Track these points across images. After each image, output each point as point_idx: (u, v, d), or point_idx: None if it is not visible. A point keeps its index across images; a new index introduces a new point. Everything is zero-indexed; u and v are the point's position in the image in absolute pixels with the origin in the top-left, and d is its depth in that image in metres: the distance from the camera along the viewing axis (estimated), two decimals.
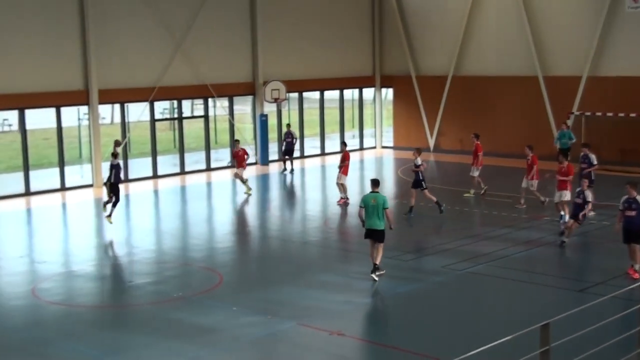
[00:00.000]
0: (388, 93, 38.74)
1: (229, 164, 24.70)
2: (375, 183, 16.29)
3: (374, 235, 16.11)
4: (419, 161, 22.63)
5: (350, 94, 38.44)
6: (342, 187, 24.42)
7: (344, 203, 24.13)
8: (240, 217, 23.81)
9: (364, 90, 38.19)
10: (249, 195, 26.09)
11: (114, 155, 21.63)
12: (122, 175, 21.58)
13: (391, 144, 37.80)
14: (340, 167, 24.36)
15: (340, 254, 18.87)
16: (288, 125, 32.69)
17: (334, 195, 25.41)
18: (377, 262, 16.10)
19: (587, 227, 20.51)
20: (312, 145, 36.45)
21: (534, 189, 23.17)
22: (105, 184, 21.55)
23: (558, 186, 21.14)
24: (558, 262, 17.82)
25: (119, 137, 29.37)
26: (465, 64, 34.93)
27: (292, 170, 31.33)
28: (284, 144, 31.99)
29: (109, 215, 21.34)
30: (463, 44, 34.63)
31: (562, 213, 20.91)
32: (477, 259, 17.65)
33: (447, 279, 16.33)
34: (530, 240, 19.39)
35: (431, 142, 36.33)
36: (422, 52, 36.32)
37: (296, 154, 33.65)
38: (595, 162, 22.49)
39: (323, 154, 36.17)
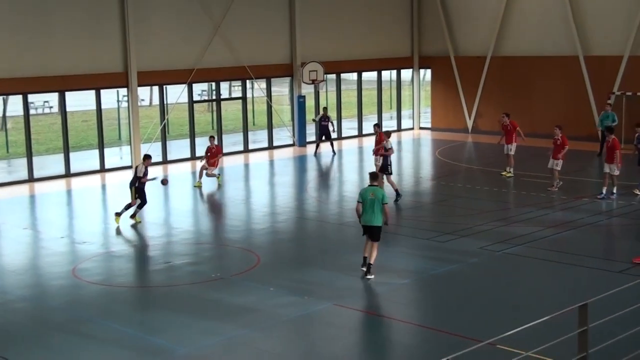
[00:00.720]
0: (426, 74, 38.47)
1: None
2: (374, 176, 15.38)
3: (371, 232, 15.19)
4: (389, 144, 22.27)
5: (388, 75, 38.23)
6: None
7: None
8: (278, 199, 23.87)
9: (402, 71, 37.94)
10: (199, 187, 25.03)
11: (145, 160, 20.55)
12: (148, 178, 20.43)
13: (429, 125, 37.56)
14: (375, 150, 24.04)
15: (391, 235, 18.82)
16: (324, 108, 32.59)
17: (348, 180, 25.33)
18: (372, 262, 15.15)
19: (628, 208, 20.23)
20: (349, 126, 36.37)
21: (558, 168, 22.89)
22: (130, 187, 20.50)
23: (606, 159, 21.72)
24: (597, 243, 17.60)
25: (158, 119, 29.63)
26: (505, 44, 34.51)
27: (333, 153, 31.12)
28: (319, 127, 31.92)
29: (134, 215, 20.27)
30: (502, 23, 34.21)
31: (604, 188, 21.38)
32: (513, 240, 17.51)
33: (484, 260, 16.23)
34: (568, 222, 19.17)
35: (469, 123, 36.03)
36: (460, 33, 35.97)
37: (333, 135, 33.57)
38: None
39: (361, 135, 36.06)
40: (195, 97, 32.17)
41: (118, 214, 20.21)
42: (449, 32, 36.13)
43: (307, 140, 33.41)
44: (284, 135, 33.56)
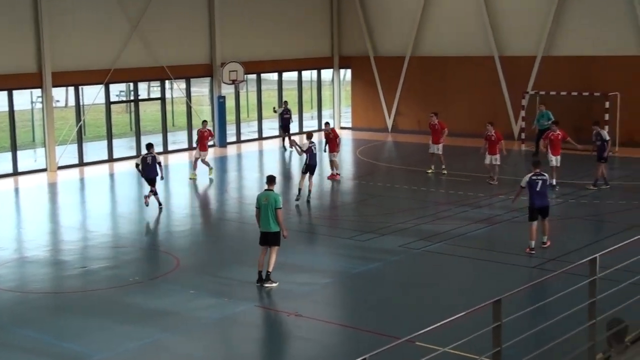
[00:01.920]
0: (346, 74, 38.67)
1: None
2: (271, 180, 14.87)
3: (268, 239, 14.57)
4: (305, 146, 22.41)
5: (309, 75, 38.30)
6: (334, 164, 24.87)
7: (333, 178, 24.75)
8: (198, 200, 23.62)
9: (323, 71, 38.07)
10: (194, 179, 25.54)
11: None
12: (157, 170, 21.44)
13: (349, 125, 37.79)
14: (325, 146, 24.69)
15: (298, 235, 18.82)
16: (285, 102, 33.17)
17: (294, 176, 25.38)
18: (270, 270, 14.51)
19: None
20: (270, 126, 36.30)
21: (498, 163, 23.50)
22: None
23: (554, 152, 22.63)
24: (514, 239, 17.98)
25: (74, 121, 29.00)
26: (423, 45, 34.97)
27: (287, 147, 31.42)
28: (281, 119, 32.41)
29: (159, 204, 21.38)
30: (420, 24, 34.65)
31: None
32: (434, 237, 17.74)
33: (404, 258, 16.39)
34: (487, 218, 19.55)
35: (389, 123, 36.38)
36: (380, 33, 36.28)
37: (253, 135, 33.53)
38: (607, 138, 22.90)
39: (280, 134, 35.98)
40: (113, 98, 31.57)
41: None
42: (369, 33, 36.41)
43: (228, 140, 33.18)
44: None
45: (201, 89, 35.67)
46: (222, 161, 30.02)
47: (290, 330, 13.04)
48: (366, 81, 36.91)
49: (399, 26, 35.42)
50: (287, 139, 31.34)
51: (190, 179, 25.72)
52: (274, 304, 13.95)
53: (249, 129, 36.29)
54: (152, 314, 13.35)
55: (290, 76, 37.14)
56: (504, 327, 7.11)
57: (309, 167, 21.88)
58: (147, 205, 21.29)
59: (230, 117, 33.71)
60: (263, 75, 35.76)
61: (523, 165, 27.38)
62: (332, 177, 24.92)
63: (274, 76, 36.41)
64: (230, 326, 13.01)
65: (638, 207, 20.54)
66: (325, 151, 25.62)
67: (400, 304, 13.84)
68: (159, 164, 21.51)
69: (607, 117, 28.73)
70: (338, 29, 37.52)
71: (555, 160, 22.68)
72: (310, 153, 21.82)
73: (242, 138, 34.39)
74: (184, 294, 14.30)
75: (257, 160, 30.68)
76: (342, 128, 38.01)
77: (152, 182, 21.40)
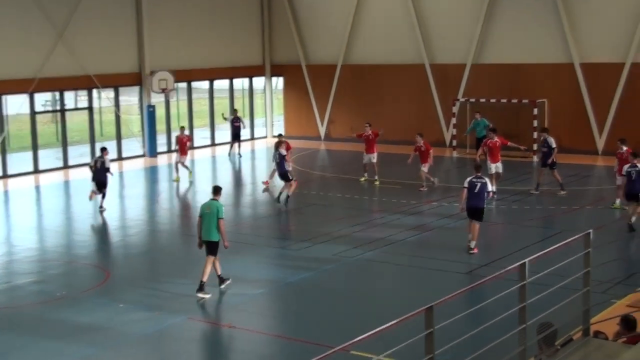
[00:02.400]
0: (278, 82, 38.71)
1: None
2: (216, 190, 15.06)
3: (208, 248, 14.81)
4: (284, 151, 22.72)
5: (240, 83, 38.20)
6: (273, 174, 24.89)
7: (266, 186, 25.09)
8: (128, 212, 23.28)
9: (254, 79, 38.01)
10: (177, 181, 26.76)
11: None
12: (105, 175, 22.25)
13: (282, 133, 37.67)
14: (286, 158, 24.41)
15: (232, 245, 18.70)
16: (235, 110, 33.81)
17: (225, 186, 25.29)
18: (204, 279, 14.57)
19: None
20: (202, 136, 36.06)
21: (425, 170, 23.83)
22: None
23: (493, 159, 22.89)
24: (447, 245, 18.21)
25: None
26: (355, 53, 35.22)
27: (240, 155, 32.20)
28: (231, 127, 32.78)
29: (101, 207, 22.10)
30: (352, 32, 34.91)
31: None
32: (368, 245, 17.84)
33: (339, 267, 16.43)
34: (420, 225, 19.75)
35: (322, 131, 36.51)
36: (311, 41, 36.43)
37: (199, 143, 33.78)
38: (554, 145, 23.21)
39: (213, 144, 35.82)
40: (38, 108, 30.91)
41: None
42: (300, 41, 36.51)
43: (159, 150, 32.83)
44: (133, 146, 32.79)
45: (130, 97, 35.20)
46: (152, 171, 29.66)
47: (224, 343, 12.93)
48: (299, 89, 36.99)
49: (331, 34, 35.62)
50: (236, 147, 32.18)
51: (174, 181, 26.82)
52: (208, 315, 13.82)
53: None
54: (80, 330, 13.07)
55: (221, 84, 36.96)
56: (437, 334, 7.17)
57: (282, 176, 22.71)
58: (90, 200, 22.33)
59: (160, 126, 33.35)
60: (194, 84, 35.51)
61: (455, 172, 27.82)
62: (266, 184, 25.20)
63: (205, 84, 36.19)
64: (162, 340, 12.82)
65: (567, 212, 21.03)
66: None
67: (334, 312, 13.86)
68: (108, 169, 22.23)
69: (535, 123, 29.38)
70: (269, 37, 37.52)
71: (494, 167, 23.01)
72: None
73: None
74: (114, 308, 14.05)
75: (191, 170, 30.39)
76: (274, 136, 37.92)
77: (99, 185, 22.07)
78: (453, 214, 20.80)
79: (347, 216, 21.05)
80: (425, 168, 23.98)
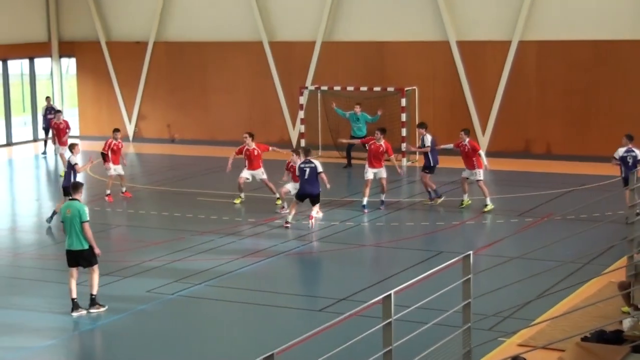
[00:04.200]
0: (70, 64, 38.01)
1: None
2: (76, 187, 16.03)
3: (77, 259, 15.63)
4: (75, 159, 22.32)
5: (19, 65, 37.25)
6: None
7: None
8: None
9: (37, 60, 37.18)
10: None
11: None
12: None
13: (76, 133, 37.04)
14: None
15: (10, 282, 18.25)
16: (47, 98, 34.29)
17: (24, 197, 24.64)
18: (94, 292, 15.79)
19: (330, 230, 21.52)
20: None
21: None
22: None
23: (373, 164, 23.58)
24: (293, 276, 18.47)
25: None
26: (171, 26, 35.10)
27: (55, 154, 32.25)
28: (43, 121, 33.41)
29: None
30: (167, 0, 34.84)
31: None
32: (191, 278, 17.82)
33: (155, 307, 16.34)
34: (258, 251, 19.93)
35: (130, 129, 36.12)
36: (113, 11, 36.01)
37: None
38: (428, 144, 24.13)
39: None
40: None
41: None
42: (98, 10, 36.01)
43: None
44: None
45: None
46: None
47: None
48: (97, 74, 36.51)
49: (139, 1, 35.37)
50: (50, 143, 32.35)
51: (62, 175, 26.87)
52: None
53: None
54: None
55: None
56: None
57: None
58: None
59: None
60: None
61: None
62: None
63: None
64: None
65: (444, 228, 21.80)
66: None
67: None
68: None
69: (404, 117, 30.24)
70: (56, 4, 36.84)
71: (374, 173, 23.53)
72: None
73: None
74: None
75: None
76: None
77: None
78: (302, 234, 21.12)
79: (164, 240, 20.94)
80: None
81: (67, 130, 30.21)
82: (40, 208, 25.32)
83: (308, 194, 21.42)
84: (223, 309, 16.46)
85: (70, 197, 15.98)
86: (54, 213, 22.02)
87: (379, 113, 29.61)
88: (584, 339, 12.80)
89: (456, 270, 11.07)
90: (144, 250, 20.02)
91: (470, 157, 23.29)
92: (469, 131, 24.16)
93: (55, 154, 30.79)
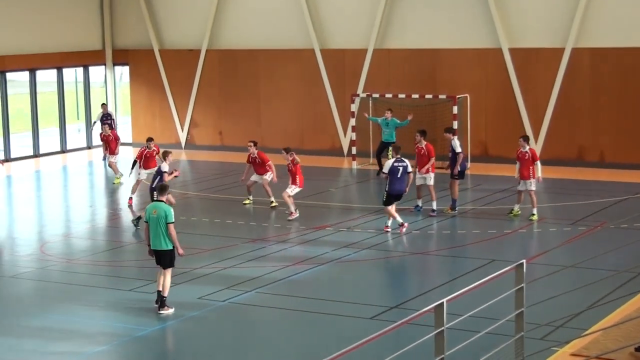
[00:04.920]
0: (123, 72, 38.32)
1: None
2: (162, 189, 16.53)
3: (159, 259, 16.29)
4: (166, 166, 22.48)
5: (73, 73, 37.64)
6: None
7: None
8: None
9: (91, 68, 37.53)
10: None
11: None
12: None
13: (130, 140, 37.37)
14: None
15: (64, 288, 18.41)
16: (103, 105, 34.85)
17: (51, 210, 24.82)
18: (165, 295, 16.21)
19: (379, 238, 21.46)
20: (22, 144, 35.35)
21: (291, 194, 23.96)
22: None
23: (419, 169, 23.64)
24: (344, 283, 18.43)
25: None
26: (224, 34, 35.27)
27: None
28: (101, 127, 32.95)
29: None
30: (220, 7, 34.93)
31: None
32: (242, 285, 17.87)
33: (206, 314, 16.39)
34: (309, 258, 19.92)
35: (182, 137, 36.36)
36: (166, 19, 36.27)
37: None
38: (458, 150, 24.02)
39: (37, 155, 35.19)
40: None
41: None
42: (152, 18, 36.29)
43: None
44: None
45: None
46: None
47: None
48: (150, 82, 36.76)
49: (192, 10, 35.59)
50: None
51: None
52: None
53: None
54: None
55: (47, 76, 36.32)
56: None
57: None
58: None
59: None
60: (9, 75, 34.76)
61: (356, 188, 28.24)
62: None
63: (25, 75, 35.47)
64: None
65: (497, 236, 21.65)
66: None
67: None
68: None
69: (455, 124, 30.10)
70: (110, 13, 37.17)
71: (423, 178, 23.65)
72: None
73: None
74: None
75: (8, 189, 29.74)
76: (122, 144, 37.53)
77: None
78: (352, 243, 21.10)
79: (215, 247, 21.02)
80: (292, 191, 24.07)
81: (117, 141, 30.32)
82: (94, 214, 25.59)
83: (401, 193, 21.62)
84: (274, 316, 16.48)
85: (156, 199, 16.49)
86: (139, 218, 22.39)
87: (409, 118, 29.37)
88: (638, 349, 12.66)
89: (509, 279, 10.99)
90: (195, 258, 20.10)
91: (528, 165, 22.99)
92: (529, 138, 23.81)
93: (105, 162, 30.91)
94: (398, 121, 29.32)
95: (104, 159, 31.20)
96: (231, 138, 35.00)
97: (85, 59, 36.92)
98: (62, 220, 25.13)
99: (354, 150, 32.12)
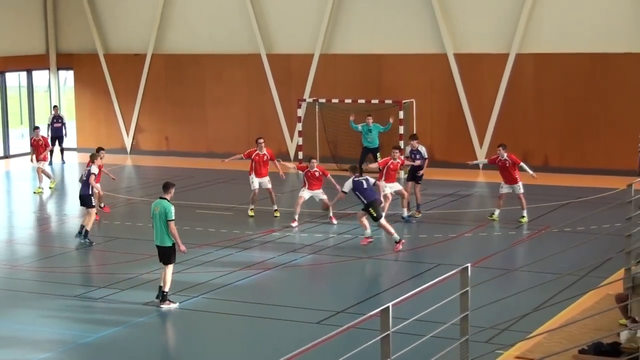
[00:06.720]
0: (68, 77, 38.04)
1: None
2: (166, 187, 16.96)
3: (159, 254, 16.76)
4: (96, 168, 22.29)
5: (17, 78, 37.28)
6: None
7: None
8: None
9: (35, 73, 37.20)
10: (40, 193, 28.37)
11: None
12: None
13: (74, 145, 37.07)
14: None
15: (7, 294, 18.24)
16: (55, 107, 34.85)
17: (20, 213, 24.63)
18: (166, 290, 16.58)
19: (328, 241, 21.52)
20: None
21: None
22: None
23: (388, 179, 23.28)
24: (290, 288, 18.46)
25: None
26: (170, 39, 35.14)
27: (63, 162, 34.32)
28: (50, 130, 33.58)
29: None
30: (165, 11, 34.79)
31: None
32: (189, 290, 17.82)
33: (153, 319, 16.34)
34: (255, 263, 19.92)
35: (127, 142, 36.16)
36: (111, 23, 36.07)
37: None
38: (426, 156, 24.31)
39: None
40: None
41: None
42: (96, 23, 36.05)
43: None
44: None
45: None
46: None
47: None
48: (95, 87, 36.54)
49: (137, 14, 35.42)
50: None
51: (36, 192, 28.48)
52: None
53: None
54: None
55: None
56: None
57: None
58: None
59: None
60: None
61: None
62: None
63: None
64: None
65: (442, 241, 21.78)
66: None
67: None
68: None
69: (401, 129, 30.25)
70: (54, 17, 36.87)
71: (389, 187, 23.37)
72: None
73: None
74: None
75: None
76: (64, 149, 37.23)
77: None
78: (298, 248, 21.12)
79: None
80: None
81: (47, 148, 29.71)
82: (37, 220, 25.35)
83: (377, 201, 20.82)
84: (220, 321, 16.46)
85: (161, 196, 16.79)
86: (82, 227, 21.81)
87: (391, 121, 29.52)
88: (582, 352, 12.81)
89: (454, 283, 11.08)
90: (141, 263, 19.99)
91: (511, 170, 23.21)
92: (506, 146, 23.86)
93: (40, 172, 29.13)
94: (381, 127, 29.37)
95: (31, 161, 30.56)
96: (177, 143, 34.93)
97: (29, 63, 36.59)
98: (5, 226, 24.88)
99: (300, 155, 32.13)
